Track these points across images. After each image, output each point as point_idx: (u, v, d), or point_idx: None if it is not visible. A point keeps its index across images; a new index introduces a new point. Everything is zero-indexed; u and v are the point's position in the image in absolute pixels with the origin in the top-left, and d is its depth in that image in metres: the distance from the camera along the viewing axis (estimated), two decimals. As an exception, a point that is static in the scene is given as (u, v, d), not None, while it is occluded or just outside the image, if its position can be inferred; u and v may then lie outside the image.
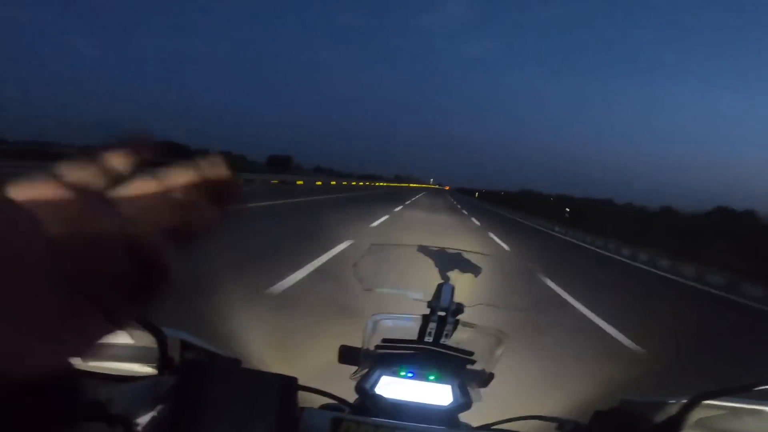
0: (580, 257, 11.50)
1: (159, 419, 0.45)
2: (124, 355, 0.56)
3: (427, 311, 0.83)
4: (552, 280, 6.09)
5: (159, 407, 0.46)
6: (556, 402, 2.53)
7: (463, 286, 0.87)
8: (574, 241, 16.30)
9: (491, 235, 12.26)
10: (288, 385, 0.48)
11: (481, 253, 0.94)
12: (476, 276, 0.90)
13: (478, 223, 16.48)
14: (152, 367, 0.55)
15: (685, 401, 0.51)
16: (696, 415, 0.51)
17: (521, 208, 34.42)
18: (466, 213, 21.96)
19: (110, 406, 0.44)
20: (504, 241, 11.01)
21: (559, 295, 5.45)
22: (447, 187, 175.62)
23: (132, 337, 0.55)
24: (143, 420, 0.45)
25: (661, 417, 0.53)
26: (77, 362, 0.53)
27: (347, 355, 0.83)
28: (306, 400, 0.64)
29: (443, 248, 0.94)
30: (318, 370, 2.19)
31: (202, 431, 0.42)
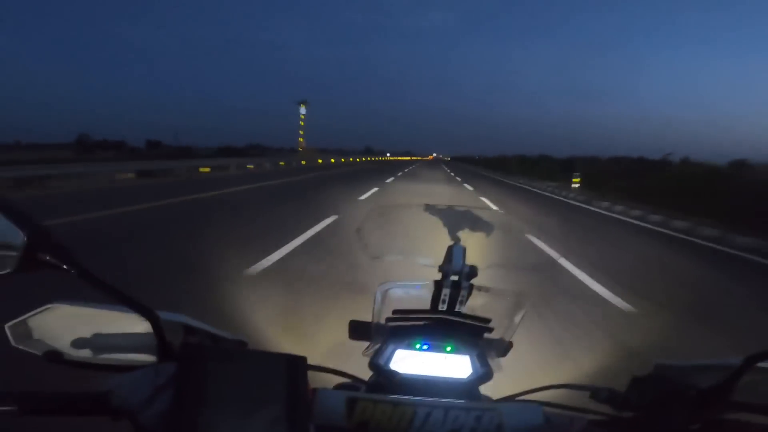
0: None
1: (160, 408, 0.44)
2: (123, 345, 0.55)
3: (439, 277, 0.81)
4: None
5: (160, 395, 0.45)
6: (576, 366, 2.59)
7: (476, 247, 0.85)
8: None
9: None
10: (297, 365, 0.47)
11: (491, 209, 0.93)
12: (488, 235, 0.88)
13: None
14: (152, 354, 0.53)
15: (730, 363, 0.50)
16: (745, 378, 0.49)
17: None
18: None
19: (111, 397, 0.44)
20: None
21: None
22: (431, 157, 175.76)
23: (130, 324, 0.54)
24: (145, 409, 0.44)
25: (705, 381, 0.52)
26: (74, 354, 0.54)
27: (358, 330, 0.80)
28: (319, 380, 0.61)
29: (451, 206, 0.92)
30: (330, 349, 2.27)
31: (205, 418, 0.41)
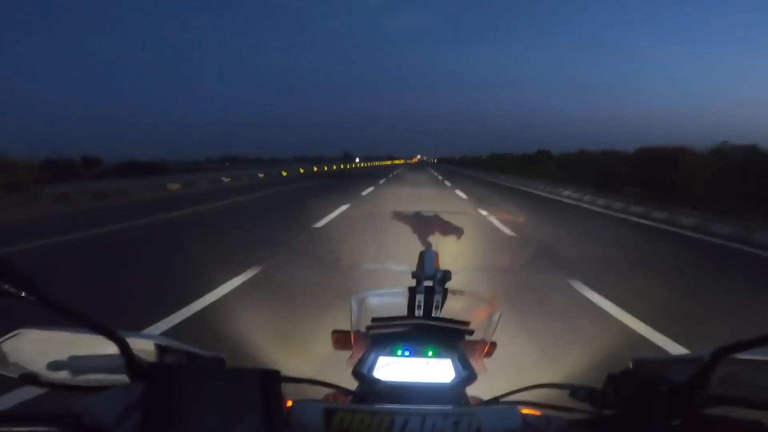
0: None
1: (132, 427, 0.44)
2: (98, 366, 0.57)
3: (413, 283, 0.82)
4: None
5: (131, 415, 0.45)
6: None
7: (447, 250, 0.87)
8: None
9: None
10: (270, 379, 0.47)
11: (458, 212, 0.95)
12: (459, 238, 0.90)
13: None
14: (124, 375, 0.54)
15: (704, 357, 0.51)
16: (718, 371, 0.50)
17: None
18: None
19: (84, 417, 0.45)
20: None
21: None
22: (415, 159, 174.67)
23: (104, 346, 0.55)
24: (116, 428, 0.45)
25: (680, 375, 0.53)
26: (50, 377, 0.56)
27: (340, 340, 0.82)
28: (305, 393, 0.61)
29: (418, 212, 0.94)
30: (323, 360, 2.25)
31: None
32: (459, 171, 44.30)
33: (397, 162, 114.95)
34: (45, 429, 0.45)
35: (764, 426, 0.48)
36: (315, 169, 40.05)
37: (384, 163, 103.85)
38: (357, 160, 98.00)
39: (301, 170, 35.20)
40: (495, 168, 39.31)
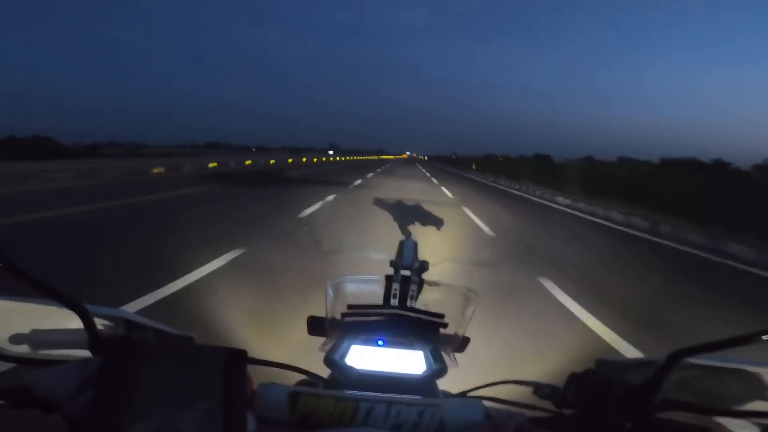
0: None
1: (87, 400, 0.44)
2: (61, 341, 0.55)
3: (391, 271, 0.82)
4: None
5: (87, 388, 0.44)
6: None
7: (427, 241, 0.88)
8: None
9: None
10: (236, 359, 0.46)
11: (439, 202, 0.95)
12: (439, 228, 0.91)
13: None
14: (85, 349, 0.53)
15: (662, 361, 0.52)
16: (674, 374, 0.51)
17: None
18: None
19: (36, 390, 0.44)
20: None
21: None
22: (405, 155, 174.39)
23: (68, 320, 0.54)
24: (70, 402, 0.44)
25: (638, 378, 0.54)
26: (11, 350, 0.54)
27: (315, 325, 0.81)
28: (278, 377, 0.62)
29: (400, 200, 0.95)
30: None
31: (132, 410, 0.41)
32: (461, 174, 35.35)
33: (384, 157, 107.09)
34: None
35: None
36: (248, 162, 25.46)
37: (370, 157, 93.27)
38: (331, 153, 78.34)
39: (212, 165, 20.32)
40: (526, 175, 23.82)
